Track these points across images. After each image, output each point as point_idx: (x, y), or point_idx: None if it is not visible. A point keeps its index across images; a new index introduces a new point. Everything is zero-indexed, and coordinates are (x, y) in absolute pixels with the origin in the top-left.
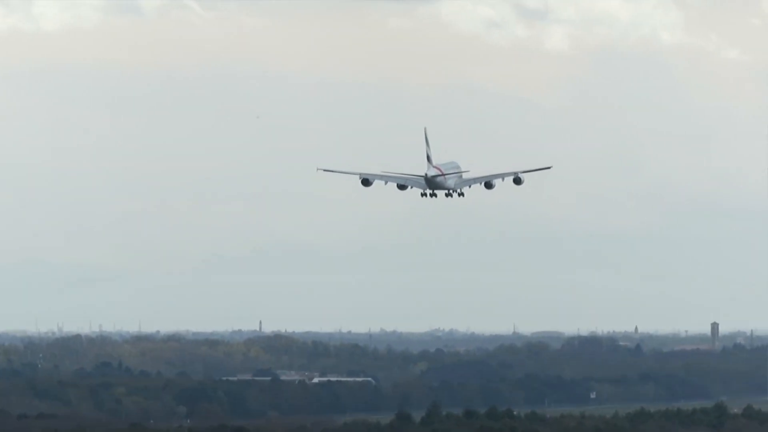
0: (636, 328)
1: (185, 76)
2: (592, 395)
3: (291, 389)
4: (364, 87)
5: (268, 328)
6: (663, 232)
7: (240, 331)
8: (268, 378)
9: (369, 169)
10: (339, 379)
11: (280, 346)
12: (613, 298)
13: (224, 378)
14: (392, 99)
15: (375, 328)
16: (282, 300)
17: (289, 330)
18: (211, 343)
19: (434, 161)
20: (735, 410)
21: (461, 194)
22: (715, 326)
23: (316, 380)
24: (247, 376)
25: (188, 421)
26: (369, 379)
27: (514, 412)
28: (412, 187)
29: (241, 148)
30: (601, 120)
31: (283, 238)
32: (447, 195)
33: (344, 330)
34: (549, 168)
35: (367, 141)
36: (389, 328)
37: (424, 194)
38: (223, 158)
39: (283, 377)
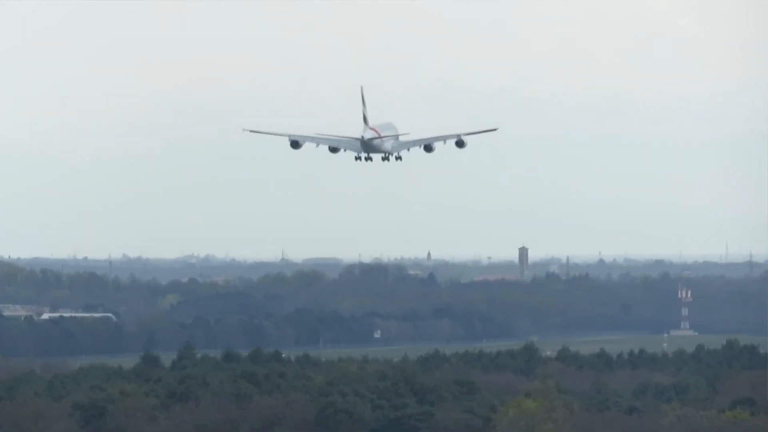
0: (429, 254)
1: None
2: (377, 334)
3: (16, 326)
4: None
5: None
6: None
7: None
8: None
9: (296, 129)
10: (73, 314)
11: (2, 274)
12: (400, 218)
13: None
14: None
15: (116, 254)
16: (4, 219)
17: (14, 256)
18: None
19: (369, 122)
20: (548, 352)
21: (399, 158)
22: (523, 252)
23: (45, 316)
24: None
25: None
26: (109, 314)
27: (283, 354)
28: (345, 150)
29: None
30: (385, 11)
31: (4, 143)
32: (383, 159)
33: (79, 256)
34: (495, 130)
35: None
36: (133, 254)
37: (358, 158)
38: None
39: (6, 312)
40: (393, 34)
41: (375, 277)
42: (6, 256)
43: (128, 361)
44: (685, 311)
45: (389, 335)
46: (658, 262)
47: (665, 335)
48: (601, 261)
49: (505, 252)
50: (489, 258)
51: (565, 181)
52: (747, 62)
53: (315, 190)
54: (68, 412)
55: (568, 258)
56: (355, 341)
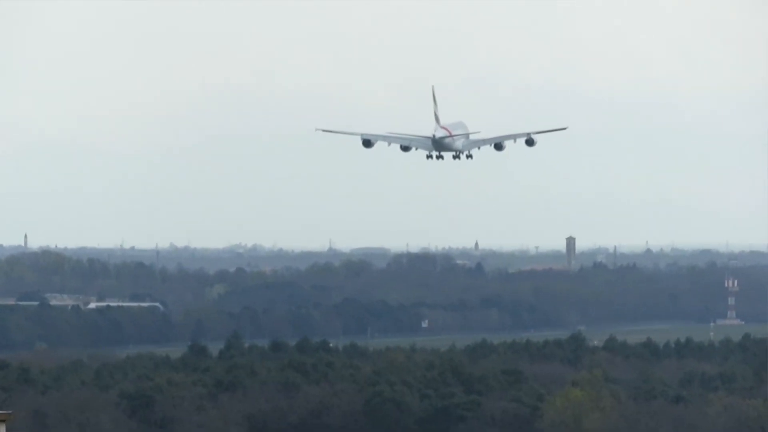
0: (476, 243)
1: None
2: (424, 324)
3: (62, 316)
4: None
5: (35, 243)
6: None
7: (1, 246)
8: (36, 303)
9: (370, 129)
10: (120, 304)
11: (49, 264)
12: (450, 208)
13: None
14: None
15: (163, 244)
16: (51, 209)
17: (61, 245)
18: None
19: (441, 121)
20: (595, 342)
21: (470, 156)
22: (571, 241)
23: (92, 305)
24: (10, 301)
25: None
26: (156, 304)
27: (331, 344)
28: (417, 149)
29: None
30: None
31: (52, 135)
32: (454, 157)
33: (126, 245)
34: (564, 129)
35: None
36: (180, 244)
37: (429, 156)
38: None
39: (53, 302)
40: (436, 29)
41: (423, 267)
42: (53, 246)
43: (175, 351)
44: (731, 300)
45: (437, 325)
46: (705, 252)
47: (712, 324)
48: (649, 251)
49: (552, 242)
50: (536, 248)
51: (612, 171)
52: None
53: (362, 180)
54: (115, 402)
55: (615, 248)
56: (403, 331)
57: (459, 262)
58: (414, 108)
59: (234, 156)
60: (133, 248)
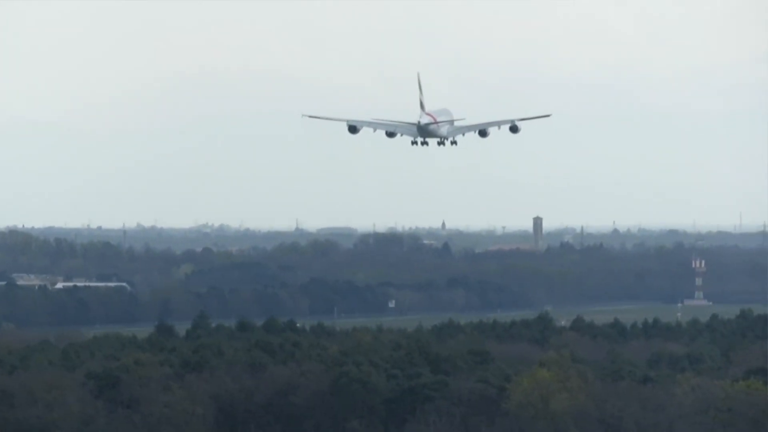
0: (443, 223)
1: None
2: (391, 304)
3: (30, 296)
4: None
5: (2, 223)
6: (468, 109)
7: None
8: (3, 283)
9: (356, 115)
10: (87, 284)
11: (16, 244)
12: (416, 189)
13: None
14: None
15: (130, 223)
16: (17, 188)
17: (28, 225)
18: None
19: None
20: (562, 322)
21: (454, 142)
22: (538, 221)
23: (59, 285)
24: None
25: None
26: (123, 284)
27: (298, 324)
28: (402, 135)
29: None
30: None
31: (20, 115)
32: (439, 143)
33: (93, 225)
34: (548, 116)
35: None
36: (147, 223)
37: (414, 142)
38: None
39: (20, 282)
40: (421, 15)
41: (389, 247)
42: (20, 226)
43: (142, 331)
44: (698, 281)
45: (404, 305)
46: (672, 232)
47: (679, 305)
48: (616, 231)
49: (519, 222)
50: (503, 228)
51: (579, 151)
52: (762, 34)
53: (329, 160)
54: (82, 382)
55: (582, 228)
56: (370, 311)
57: (426, 242)
58: (399, 95)
59: (201, 137)
60: (100, 228)
